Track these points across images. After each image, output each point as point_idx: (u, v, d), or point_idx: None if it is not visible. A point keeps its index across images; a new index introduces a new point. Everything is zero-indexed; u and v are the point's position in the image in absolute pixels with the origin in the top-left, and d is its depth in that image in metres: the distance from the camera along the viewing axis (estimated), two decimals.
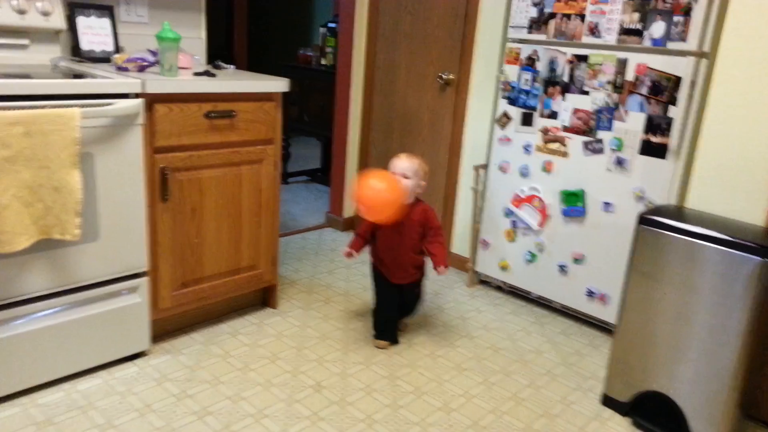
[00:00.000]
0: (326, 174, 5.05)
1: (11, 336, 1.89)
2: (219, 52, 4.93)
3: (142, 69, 2.28)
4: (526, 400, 2.19)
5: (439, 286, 3.16)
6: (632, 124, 2.51)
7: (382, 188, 2.21)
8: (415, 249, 2.42)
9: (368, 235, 2.46)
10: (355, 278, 3.18)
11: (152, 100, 2.10)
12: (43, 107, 1.80)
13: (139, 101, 2.03)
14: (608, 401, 2.17)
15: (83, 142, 1.89)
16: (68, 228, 1.88)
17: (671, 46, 2.36)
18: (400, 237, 2.38)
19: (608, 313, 2.67)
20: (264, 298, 2.79)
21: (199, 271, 2.40)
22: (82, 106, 1.88)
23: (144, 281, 2.20)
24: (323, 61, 4.77)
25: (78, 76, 2.04)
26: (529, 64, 2.80)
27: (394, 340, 2.52)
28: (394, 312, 2.52)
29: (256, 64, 6.74)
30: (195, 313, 2.52)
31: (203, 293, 2.44)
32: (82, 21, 2.45)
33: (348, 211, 3.94)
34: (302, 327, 2.60)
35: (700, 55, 2.31)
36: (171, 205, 2.23)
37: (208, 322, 2.57)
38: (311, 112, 4.87)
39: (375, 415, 2.01)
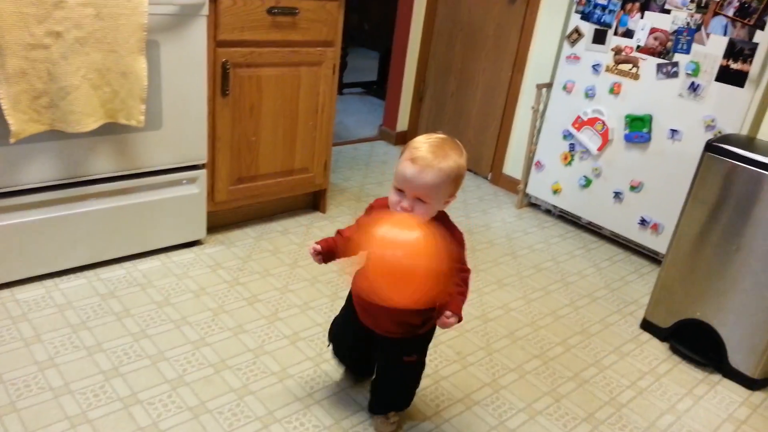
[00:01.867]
0: (382, 87, 4.98)
1: (79, 213, 2.01)
2: None
3: None
4: (564, 317, 2.22)
5: (488, 205, 3.15)
6: (712, 48, 2.35)
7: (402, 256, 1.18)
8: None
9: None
10: None
11: None
12: None
13: None
14: (647, 326, 2.18)
15: (150, 29, 1.91)
16: (133, 113, 1.94)
17: None
18: None
19: (659, 243, 2.63)
20: (314, 201, 2.85)
21: (254, 169, 2.46)
22: None
23: (202, 173, 2.28)
24: None
25: None
26: None
27: (361, 374, 1.72)
28: (348, 354, 1.69)
29: None
30: (248, 209, 2.61)
31: (257, 190, 2.51)
32: None
33: (402, 125, 3.91)
34: None
35: None
36: (230, 100, 2.26)
37: (260, 219, 2.66)
38: (372, 21, 4.75)
39: None
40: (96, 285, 2.04)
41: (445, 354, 1.93)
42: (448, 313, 1.30)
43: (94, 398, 1.57)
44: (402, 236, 1.18)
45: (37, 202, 1.92)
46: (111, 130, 1.96)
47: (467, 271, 1.40)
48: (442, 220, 1.38)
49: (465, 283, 1.38)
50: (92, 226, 2.06)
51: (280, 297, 2.10)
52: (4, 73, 1.66)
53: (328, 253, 1.43)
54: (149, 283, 2.09)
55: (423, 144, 1.27)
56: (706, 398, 1.89)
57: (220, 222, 2.52)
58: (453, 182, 1.29)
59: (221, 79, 2.20)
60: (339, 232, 1.46)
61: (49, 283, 2.01)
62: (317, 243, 1.42)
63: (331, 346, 1.71)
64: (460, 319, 1.32)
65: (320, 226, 2.68)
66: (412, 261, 1.16)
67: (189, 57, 2.07)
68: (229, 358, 1.78)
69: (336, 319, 1.66)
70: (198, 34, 2.06)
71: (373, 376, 1.59)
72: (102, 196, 2.05)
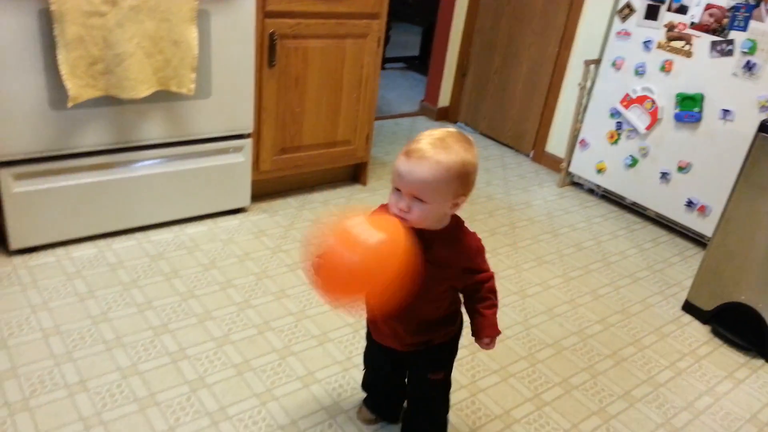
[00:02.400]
0: (424, 62, 4.95)
1: (131, 177, 2.09)
2: None
3: None
4: (603, 297, 2.21)
5: (528, 183, 3.13)
6: None
7: (357, 251, 1.04)
8: (436, 303, 1.25)
9: None
10: None
11: None
12: None
13: None
14: (689, 308, 2.15)
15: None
16: (184, 82, 1.99)
17: None
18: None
19: (705, 226, 2.57)
20: (355, 174, 2.88)
21: (297, 140, 2.49)
22: None
23: (248, 142, 2.32)
24: None
25: None
26: None
27: (387, 418, 1.53)
28: (387, 389, 1.51)
29: None
30: (291, 179, 2.66)
31: (300, 161, 2.55)
32: None
33: (443, 101, 3.89)
34: None
35: None
36: (277, 71, 2.30)
37: (302, 189, 2.71)
38: None
39: None
40: (146, 246, 2.12)
41: None
42: (486, 340, 1.23)
43: (144, 352, 1.65)
44: (361, 236, 1.03)
45: (92, 166, 2.00)
46: (162, 97, 2.02)
47: (490, 276, 1.25)
48: (454, 229, 1.21)
49: (492, 293, 1.25)
50: (143, 190, 2.13)
51: None
52: (64, 40, 1.72)
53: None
54: (196, 247, 2.16)
55: (423, 137, 1.11)
56: (747, 382, 1.86)
57: (263, 191, 2.57)
58: (458, 179, 1.10)
59: (268, 50, 2.23)
60: None
61: (101, 243, 2.10)
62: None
63: (361, 384, 1.57)
64: (498, 333, 1.25)
65: (360, 199, 2.71)
66: (358, 265, 1.03)
67: (238, 27, 2.10)
68: (272, 320, 1.84)
69: (365, 351, 1.49)
70: (247, 4, 2.09)
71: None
72: (153, 160, 2.12)
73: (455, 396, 1.64)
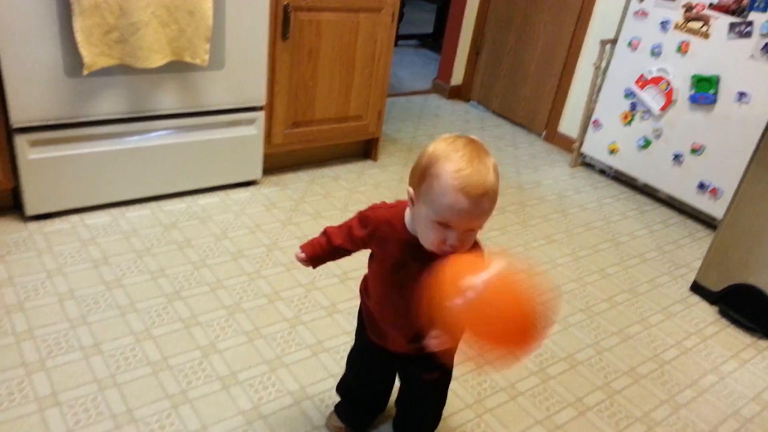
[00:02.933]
0: (437, 40, 4.91)
1: (144, 147, 2.10)
2: None
3: None
4: (612, 276, 2.21)
5: (540, 162, 3.12)
6: None
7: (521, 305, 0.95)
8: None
9: (345, 250, 1.24)
10: None
11: None
12: None
13: None
14: (697, 288, 2.16)
15: None
16: (198, 52, 2.00)
17: None
18: (400, 292, 1.14)
19: (716, 208, 2.56)
20: (366, 150, 2.89)
21: (310, 114, 2.50)
22: None
23: (260, 115, 2.33)
24: None
25: None
26: None
27: (357, 428, 1.45)
28: (366, 396, 1.44)
29: None
30: (302, 153, 2.67)
31: (312, 135, 2.56)
32: None
33: (456, 79, 3.87)
34: (399, 181, 2.69)
35: None
36: (290, 44, 2.29)
37: (313, 164, 2.72)
38: None
39: None
40: (159, 216, 2.14)
41: None
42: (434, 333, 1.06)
43: (157, 317, 1.68)
44: (496, 276, 0.94)
45: (106, 134, 2.02)
46: (176, 68, 2.03)
47: None
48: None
49: None
50: (156, 160, 2.15)
51: None
52: (80, 7, 1.73)
53: (314, 259, 1.24)
54: (208, 217, 2.18)
55: (460, 161, 0.99)
56: (753, 362, 1.87)
57: (275, 164, 2.58)
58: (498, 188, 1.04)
59: (282, 23, 2.23)
60: (326, 233, 1.24)
61: (115, 211, 2.13)
62: (302, 249, 1.24)
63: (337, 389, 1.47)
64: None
65: (371, 174, 2.72)
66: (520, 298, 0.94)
67: None
68: (283, 290, 1.86)
69: (349, 369, 1.42)
70: None
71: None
72: (166, 131, 2.14)
73: (459, 369, 1.66)
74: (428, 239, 1.04)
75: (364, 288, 1.27)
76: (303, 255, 1.23)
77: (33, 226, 1.98)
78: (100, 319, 1.64)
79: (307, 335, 1.70)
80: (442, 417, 1.46)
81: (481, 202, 0.98)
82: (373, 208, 1.18)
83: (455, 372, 1.63)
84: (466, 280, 0.93)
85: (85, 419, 1.35)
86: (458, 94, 3.91)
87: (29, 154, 1.90)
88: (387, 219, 1.14)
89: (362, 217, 1.18)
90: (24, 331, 1.56)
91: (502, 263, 0.97)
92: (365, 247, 1.19)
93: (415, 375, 1.29)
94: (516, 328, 0.94)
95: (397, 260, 1.13)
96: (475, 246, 1.10)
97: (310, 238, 1.25)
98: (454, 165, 0.99)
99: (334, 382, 1.54)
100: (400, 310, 1.16)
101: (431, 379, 1.29)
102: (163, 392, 1.45)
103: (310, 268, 1.28)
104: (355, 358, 1.40)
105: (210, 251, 1.99)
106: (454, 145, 1.02)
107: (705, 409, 1.66)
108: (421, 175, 1.02)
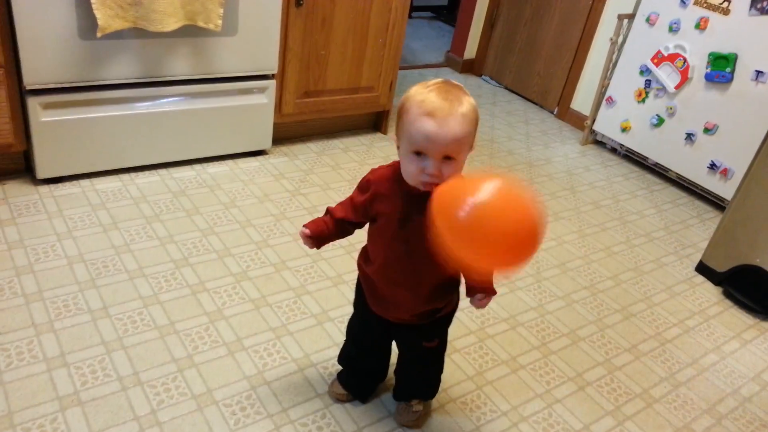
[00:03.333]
0: (452, 13, 4.84)
1: (155, 113, 2.11)
2: None
3: None
4: (618, 254, 2.22)
5: (551, 139, 3.10)
6: None
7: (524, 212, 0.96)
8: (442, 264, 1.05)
9: (349, 223, 1.25)
10: None
11: None
12: None
13: None
14: (703, 269, 2.16)
15: None
16: (212, 17, 1.98)
17: None
18: (406, 248, 1.17)
19: (726, 189, 2.54)
20: (376, 122, 2.87)
21: (321, 84, 2.49)
22: None
23: (272, 84, 2.32)
24: None
25: None
26: None
27: (359, 396, 1.47)
28: (368, 365, 1.46)
29: None
30: (312, 124, 2.66)
31: (323, 105, 2.55)
32: None
33: (470, 53, 3.82)
34: None
35: None
36: (304, 11, 2.27)
37: (323, 135, 2.71)
38: None
39: None
40: (168, 183, 2.16)
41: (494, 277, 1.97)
42: (479, 296, 1.15)
43: (165, 283, 1.70)
44: (491, 193, 0.95)
45: (117, 99, 2.02)
46: (189, 32, 2.02)
47: None
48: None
49: None
50: (167, 126, 2.15)
51: None
52: None
53: (319, 237, 1.24)
54: (217, 186, 2.20)
55: (429, 94, 1.05)
56: (754, 343, 1.88)
57: (285, 134, 2.58)
58: (475, 125, 1.08)
59: None
60: (330, 212, 1.25)
61: (125, 177, 2.14)
62: (305, 226, 1.24)
63: (338, 361, 1.50)
64: (494, 293, 1.18)
65: (380, 147, 2.71)
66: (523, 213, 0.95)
67: None
68: (289, 260, 1.88)
69: (349, 338, 1.44)
70: None
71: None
72: (177, 97, 2.14)
73: (462, 341, 1.68)
74: (409, 173, 1.09)
75: (364, 259, 1.28)
76: (307, 231, 1.24)
77: (44, 189, 2.00)
78: (109, 282, 1.67)
79: (312, 304, 1.72)
80: (444, 388, 1.50)
81: (447, 122, 1.02)
82: (371, 171, 1.22)
83: (458, 344, 1.67)
84: (462, 200, 0.95)
85: (92, 380, 1.39)
86: (471, 68, 3.87)
87: (41, 116, 1.91)
88: (386, 175, 1.17)
89: (361, 183, 1.21)
90: (34, 293, 1.59)
91: (493, 178, 0.98)
92: (367, 214, 1.21)
93: (416, 343, 1.32)
94: (520, 236, 0.95)
95: (402, 214, 1.15)
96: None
97: (318, 208, 1.27)
98: (421, 97, 1.05)
99: (337, 351, 1.56)
100: (407, 270, 1.18)
101: (431, 347, 1.32)
102: (170, 356, 1.48)
103: (315, 249, 1.28)
104: (354, 328, 1.42)
105: (218, 219, 2.01)
106: (426, 84, 1.07)
107: (704, 387, 1.67)
108: (398, 116, 1.09)
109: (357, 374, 1.46)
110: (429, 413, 1.46)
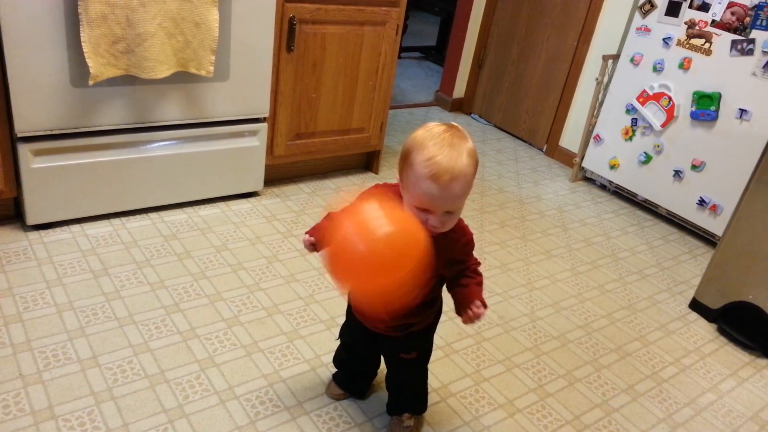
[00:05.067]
0: (440, 53, 4.93)
1: (147, 157, 2.11)
2: None
3: None
4: (611, 292, 2.21)
5: (540, 177, 3.13)
6: None
7: (383, 240, 1.02)
8: (423, 285, 1.16)
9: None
10: None
11: None
12: None
13: None
14: (696, 306, 2.16)
15: None
16: (204, 64, 2.01)
17: None
18: None
19: (716, 225, 2.57)
20: (367, 162, 2.89)
21: (312, 126, 2.51)
22: None
23: (264, 127, 2.34)
24: None
25: None
26: None
27: (355, 394, 1.57)
28: (359, 367, 1.55)
29: None
30: (304, 165, 2.67)
31: (314, 147, 2.56)
32: None
33: (459, 92, 3.89)
34: None
35: None
36: (295, 56, 2.31)
37: (314, 176, 2.72)
38: None
39: None
40: (160, 226, 2.15)
41: (489, 317, 1.96)
42: (477, 302, 1.19)
43: (155, 330, 1.68)
44: (372, 225, 1.01)
45: (109, 144, 2.03)
46: (181, 79, 2.04)
47: (477, 263, 1.26)
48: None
49: (476, 272, 1.25)
50: (158, 170, 2.16)
51: None
52: (87, 17, 1.74)
53: (320, 241, 1.25)
54: (209, 229, 2.19)
55: (434, 148, 1.06)
56: (751, 381, 1.87)
57: (276, 176, 2.59)
58: (475, 172, 1.11)
59: (287, 35, 2.24)
60: (329, 216, 1.27)
61: (116, 221, 2.13)
62: (308, 233, 1.28)
63: (333, 359, 1.59)
64: (484, 307, 1.20)
65: None
66: (373, 255, 1.00)
67: (258, 11, 2.11)
68: (281, 303, 1.86)
69: (343, 326, 1.51)
70: None
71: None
72: (169, 141, 2.15)
73: (458, 384, 1.66)
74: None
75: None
76: (312, 239, 1.26)
77: (33, 235, 1.99)
78: (99, 331, 1.64)
79: (305, 349, 1.70)
80: (444, 383, 1.58)
81: (450, 186, 1.06)
82: (375, 185, 1.27)
83: (456, 346, 1.67)
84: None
85: None
86: (460, 106, 3.93)
87: (32, 163, 1.91)
88: (391, 189, 1.22)
89: (364, 192, 1.25)
90: (22, 343, 1.56)
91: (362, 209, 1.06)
92: None
93: (394, 355, 1.40)
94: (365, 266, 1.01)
95: None
96: (459, 224, 1.19)
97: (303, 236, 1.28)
98: (426, 153, 1.07)
99: (332, 402, 1.55)
100: None
101: (410, 358, 1.37)
102: (160, 406, 1.45)
103: (317, 254, 1.31)
104: (345, 332, 1.50)
105: (210, 263, 2.00)
106: (431, 132, 1.09)
107: (703, 428, 1.65)
108: (402, 163, 1.13)
109: (350, 375, 1.56)
110: (420, 428, 1.49)
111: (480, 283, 1.24)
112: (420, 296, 1.21)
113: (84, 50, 1.77)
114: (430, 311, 1.32)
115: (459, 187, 1.07)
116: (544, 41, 3.35)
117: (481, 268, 1.27)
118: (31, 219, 1.99)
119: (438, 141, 1.07)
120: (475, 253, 1.27)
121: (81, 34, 1.75)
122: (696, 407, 1.73)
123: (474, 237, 1.25)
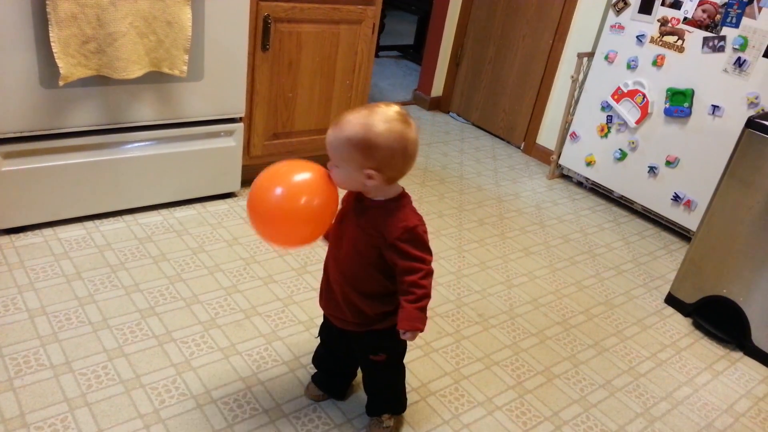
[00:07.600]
0: (418, 51, 4.93)
1: (120, 158, 2.08)
2: None
3: None
4: (588, 288, 2.23)
5: (518, 174, 3.15)
6: (763, 22, 2.28)
7: (277, 191, 1.24)
8: (367, 275, 1.25)
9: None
10: (434, 156, 3.21)
11: None
12: None
13: None
14: (672, 301, 2.18)
15: None
16: (177, 63, 1.98)
17: None
18: (340, 245, 1.28)
19: (690, 220, 2.60)
20: None
21: (289, 125, 2.49)
22: None
23: (240, 127, 2.32)
24: None
25: None
26: None
27: (334, 394, 1.56)
28: (337, 366, 1.53)
29: None
30: None
31: (291, 147, 2.55)
32: None
33: (437, 90, 3.89)
34: None
35: None
36: (270, 55, 2.29)
37: None
38: None
39: (440, 279, 2.11)
40: (134, 229, 2.12)
41: (468, 315, 1.96)
42: (401, 331, 1.20)
43: (130, 334, 1.65)
44: (287, 175, 1.26)
45: (81, 146, 1.99)
46: (154, 78, 2.01)
47: (421, 270, 1.19)
48: (392, 203, 1.22)
49: (416, 287, 1.18)
50: (132, 172, 2.12)
51: (309, 252, 2.16)
52: (56, 17, 1.71)
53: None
54: (185, 230, 2.16)
55: (351, 115, 1.16)
56: (726, 374, 1.90)
57: (254, 176, 2.53)
58: (357, 150, 1.11)
59: (262, 34, 2.22)
60: None
61: (89, 224, 2.09)
62: None
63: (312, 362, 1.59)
64: (418, 330, 1.20)
65: None
66: (287, 194, 1.23)
67: (232, 10, 2.09)
68: (260, 305, 1.85)
69: (321, 325, 1.50)
70: None
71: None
72: (143, 142, 2.11)
73: (438, 383, 1.66)
74: None
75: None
76: None
77: (4, 240, 1.94)
78: (72, 336, 1.61)
79: (284, 351, 1.69)
80: (424, 382, 1.59)
81: (330, 131, 1.17)
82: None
83: (436, 344, 1.69)
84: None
85: None
86: (438, 105, 3.93)
87: (2, 166, 1.86)
88: None
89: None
90: None
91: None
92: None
93: (364, 356, 1.40)
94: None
95: (343, 210, 1.28)
96: (407, 211, 1.22)
97: (289, 250, 1.29)
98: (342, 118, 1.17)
99: (313, 407, 1.54)
100: (337, 271, 1.29)
101: (378, 360, 1.38)
102: (136, 412, 1.43)
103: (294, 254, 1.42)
104: (322, 330, 1.50)
105: (186, 265, 1.97)
106: (347, 116, 1.17)
107: (679, 422, 1.68)
108: None
109: (328, 374, 1.54)
110: (400, 428, 1.49)
111: (416, 300, 1.18)
112: (374, 285, 1.25)
113: (53, 50, 1.73)
114: (391, 316, 1.26)
115: (332, 134, 1.16)
116: (520, 40, 3.37)
117: (430, 280, 1.21)
118: (2, 223, 1.94)
119: (371, 105, 1.16)
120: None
121: (50, 34, 1.72)
122: (672, 401, 1.75)
123: (428, 235, 1.22)
